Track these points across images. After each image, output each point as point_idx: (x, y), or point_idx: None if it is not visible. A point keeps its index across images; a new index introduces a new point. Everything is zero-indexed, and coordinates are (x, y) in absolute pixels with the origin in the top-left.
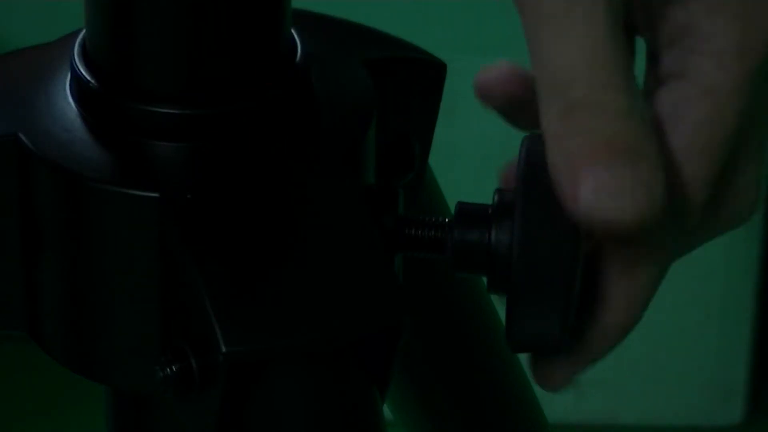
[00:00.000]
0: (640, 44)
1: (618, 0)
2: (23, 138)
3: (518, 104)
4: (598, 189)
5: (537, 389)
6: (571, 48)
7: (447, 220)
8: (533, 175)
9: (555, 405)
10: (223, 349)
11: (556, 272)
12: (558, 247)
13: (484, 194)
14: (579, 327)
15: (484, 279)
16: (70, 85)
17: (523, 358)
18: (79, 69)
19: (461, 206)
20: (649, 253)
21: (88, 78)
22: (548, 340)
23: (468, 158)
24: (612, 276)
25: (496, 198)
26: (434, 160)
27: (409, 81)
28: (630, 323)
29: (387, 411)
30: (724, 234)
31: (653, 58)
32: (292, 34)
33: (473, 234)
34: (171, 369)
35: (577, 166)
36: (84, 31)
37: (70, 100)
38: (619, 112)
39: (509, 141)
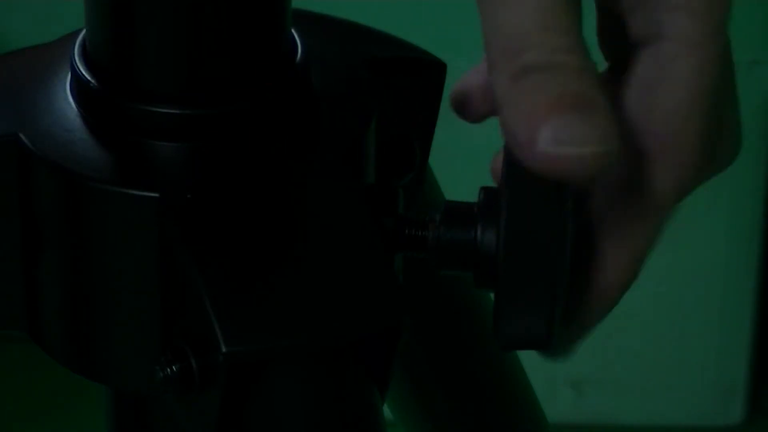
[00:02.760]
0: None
1: None
2: (23, 138)
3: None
4: (556, 138)
5: (537, 389)
6: (521, 13)
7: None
8: (519, 172)
9: (555, 405)
10: (223, 349)
11: (543, 269)
12: (545, 243)
13: None
14: (576, 290)
15: None
16: (71, 85)
17: (523, 356)
18: (79, 69)
19: (447, 204)
20: (658, 207)
21: (89, 78)
22: (536, 336)
23: (468, 158)
24: (608, 232)
25: (481, 196)
26: (434, 160)
27: (409, 81)
28: (630, 279)
29: (387, 411)
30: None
31: (617, 24)
32: (292, 34)
33: (459, 232)
34: (171, 369)
35: (532, 120)
36: (84, 31)
37: (71, 100)
38: (571, 71)
39: None
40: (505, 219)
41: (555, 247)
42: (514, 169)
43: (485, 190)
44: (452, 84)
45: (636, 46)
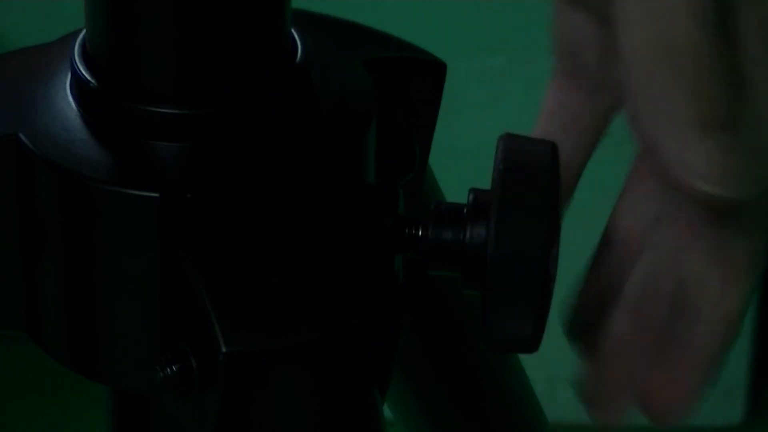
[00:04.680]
0: None
1: None
2: (23, 138)
3: None
4: (710, 163)
5: (537, 389)
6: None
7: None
8: (509, 174)
9: (555, 405)
10: (223, 349)
11: (531, 271)
12: (533, 247)
13: None
14: (680, 335)
15: None
16: (71, 85)
17: (525, 360)
18: (79, 69)
19: (436, 205)
20: (748, 264)
21: (89, 78)
22: (523, 338)
23: (468, 158)
24: (708, 295)
25: (471, 197)
26: (434, 160)
27: (409, 81)
28: (729, 341)
29: (387, 411)
30: None
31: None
32: (292, 34)
33: (447, 232)
34: (171, 369)
35: (677, 136)
36: (84, 31)
37: (71, 100)
38: (719, 68)
39: None
40: (494, 221)
41: (543, 249)
42: (505, 172)
43: (474, 192)
44: (452, 84)
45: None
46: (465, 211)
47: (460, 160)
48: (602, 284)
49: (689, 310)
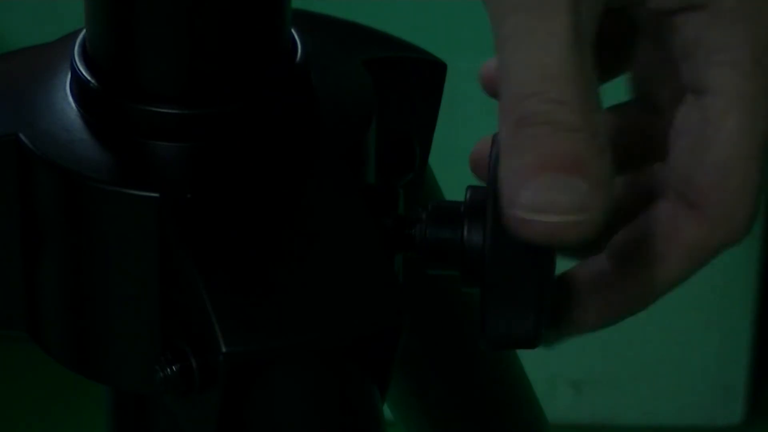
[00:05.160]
0: None
1: (587, 15)
2: (23, 138)
3: None
4: (533, 204)
5: (537, 389)
6: (529, 58)
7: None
8: None
9: (555, 405)
10: (223, 349)
11: (530, 268)
12: (531, 243)
13: None
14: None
15: None
16: (71, 85)
17: (523, 355)
18: (79, 69)
19: (434, 204)
20: (692, 255)
21: (89, 78)
22: (523, 335)
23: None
24: (641, 272)
25: (468, 195)
26: (434, 160)
27: (409, 81)
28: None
29: (387, 411)
30: None
31: (669, 69)
32: (292, 34)
33: (445, 231)
34: (171, 369)
35: (516, 180)
36: (84, 31)
37: (71, 100)
38: (567, 129)
39: None
40: (492, 218)
41: (541, 247)
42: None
43: (472, 189)
44: (452, 84)
45: (680, 94)
46: (462, 209)
47: (460, 160)
48: None
49: None
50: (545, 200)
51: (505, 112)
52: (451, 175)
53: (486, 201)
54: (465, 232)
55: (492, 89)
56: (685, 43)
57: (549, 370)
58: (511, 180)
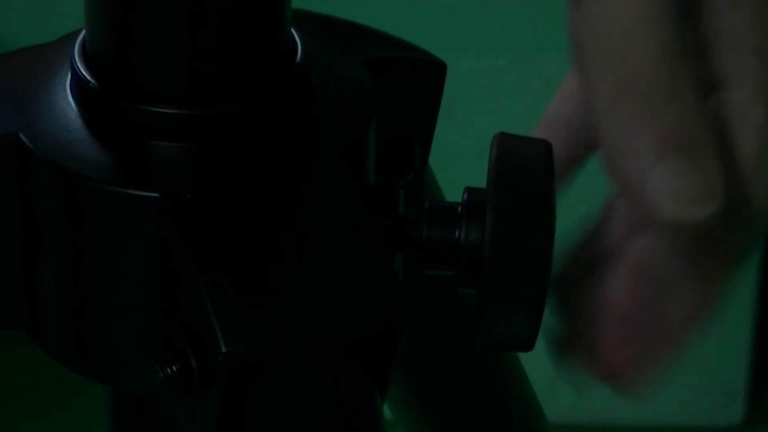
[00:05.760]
0: None
1: None
2: (23, 138)
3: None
4: (667, 191)
5: (537, 389)
6: (622, 11)
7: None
8: (503, 173)
9: (555, 405)
10: (224, 349)
11: (527, 270)
12: (529, 246)
13: None
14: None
15: None
16: (71, 85)
17: (523, 355)
18: (79, 69)
19: (431, 204)
20: (724, 254)
21: (89, 78)
22: (519, 338)
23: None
24: (680, 271)
25: (465, 196)
26: (434, 160)
27: (409, 81)
28: (700, 317)
29: (387, 411)
30: None
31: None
32: (292, 34)
33: (442, 231)
34: (171, 369)
35: (640, 163)
36: (84, 31)
37: (71, 100)
38: (678, 96)
39: None
40: (489, 219)
41: (539, 247)
42: (500, 171)
43: (469, 190)
44: (452, 84)
45: (712, 86)
46: (460, 210)
47: (460, 160)
48: (602, 245)
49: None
50: (678, 188)
51: (599, 72)
52: (451, 175)
53: (484, 202)
54: (462, 233)
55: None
56: (709, 31)
57: (549, 370)
58: (632, 165)
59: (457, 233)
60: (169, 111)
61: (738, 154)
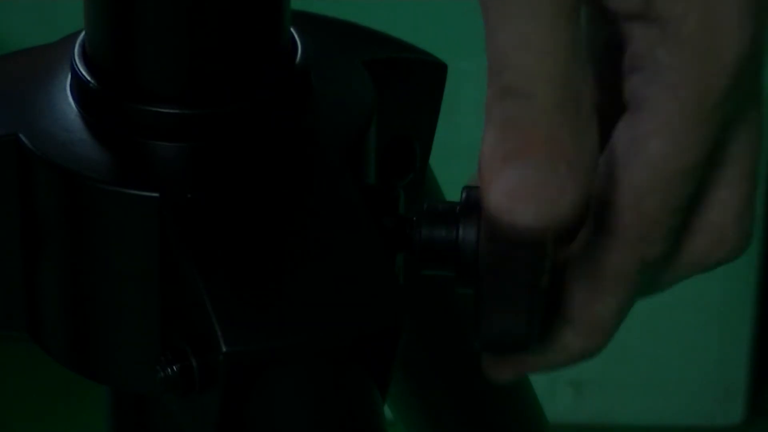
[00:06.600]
0: None
1: None
2: (23, 138)
3: None
4: (509, 190)
5: (537, 389)
6: (509, 31)
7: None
8: None
9: (555, 405)
10: (224, 349)
11: (523, 270)
12: (524, 243)
13: None
14: (542, 335)
15: None
16: (71, 86)
17: None
18: (79, 69)
19: (429, 205)
20: (615, 282)
21: (89, 78)
22: (516, 337)
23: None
24: (576, 299)
25: (463, 195)
26: (434, 160)
27: (409, 82)
28: (591, 348)
29: (387, 411)
30: (702, 272)
31: (613, 78)
32: (292, 34)
33: (440, 231)
34: (171, 369)
35: (493, 162)
36: (84, 32)
37: (71, 100)
38: (546, 103)
39: None
40: (486, 218)
41: (536, 246)
42: None
43: (467, 190)
44: (452, 84)
45: (623, 108)
46: (458, 209)
47: (460, 160)
48: None
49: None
50: (521, 188)
51: (489, 80)
52: (451, 175)
53: (481, 201)
54: (460, 233)
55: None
56: (635, 55)
57: None
58: (488, 161)
59: (455, 233)
60: (169, 111)
61: (622, 181)
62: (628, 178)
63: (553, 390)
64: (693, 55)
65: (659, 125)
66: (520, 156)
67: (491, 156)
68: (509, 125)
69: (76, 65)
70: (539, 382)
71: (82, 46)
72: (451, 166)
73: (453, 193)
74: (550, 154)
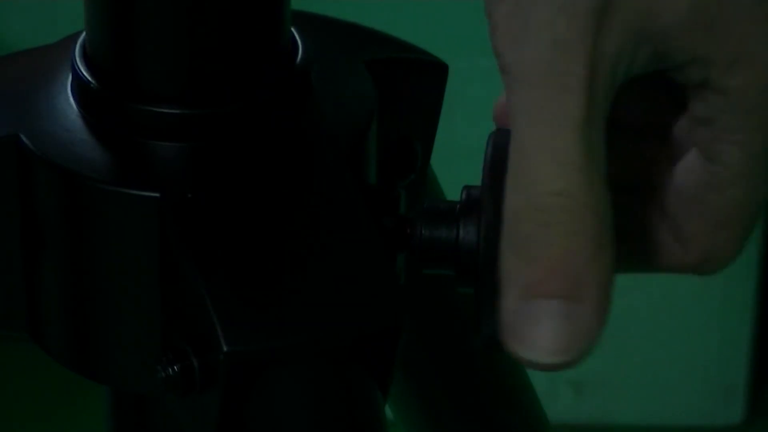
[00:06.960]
0: None
1: (604, 90)
2: (24, 139)
3: None
4: (538, 348)
5: (537, 389)
6: (536, 143)
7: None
8: (499, 170)
9: (555, 405)
10: (224, 349)
11: None
12: None
13: None
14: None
15: None
16: (71, 86)
17: None
18: (79, 70)
19: (429, 204)
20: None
21: (89, 79)
22: None
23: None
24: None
25: (463, 195)
26: (434, 160)
27: (410, 82)
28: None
29: (387, 411)
30: None
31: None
32: (292, 34)
33: (440, 231)
34: (172, 369)
35: (520, 292)
36: (84, 32)
37: (71, 101)
38: (569, 232)
39: None
40: (486, 217)
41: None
42: (495, 167)
43: (467, 189)
44: (452, 84)
45: (693, 156)
46: (458, 209)
47: (460, 160)
48: None
49: None
50: (545, 334)
51: (511, 187)
52: (451, 175)
53: (481, 200)
54: (460, 233)
55: (504, 124)
56: (703, 115)
57: None
58: (511, 297)
59: (455, 233)
60: (169, 111)
61: (709, 215)
62: (709, 215)
63: (553, 390)
64: (761, 122)
65: (736, 176)
66: (543, 296)
67: (514, 288)
68: (533, 250)
69: (77, 66)
70: (539, 382)
71: (83, 47)
72: (451, 166)
73: (453, 193)
74: (572, 297)
